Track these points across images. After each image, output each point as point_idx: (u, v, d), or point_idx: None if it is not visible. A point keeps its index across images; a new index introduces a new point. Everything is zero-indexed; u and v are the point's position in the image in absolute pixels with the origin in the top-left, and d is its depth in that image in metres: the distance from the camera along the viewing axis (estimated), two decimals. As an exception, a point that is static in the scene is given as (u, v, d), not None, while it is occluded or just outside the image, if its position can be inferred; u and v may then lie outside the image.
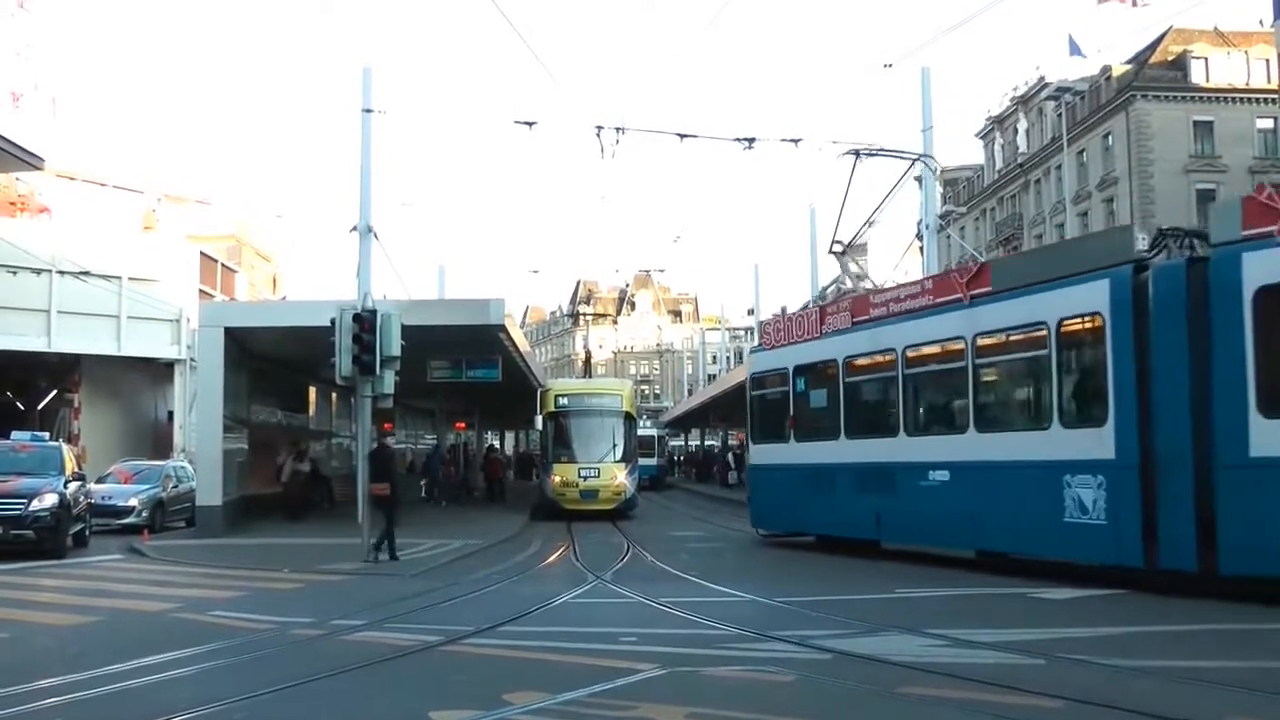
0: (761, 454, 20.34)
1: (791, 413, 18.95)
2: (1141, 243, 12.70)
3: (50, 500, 16.72)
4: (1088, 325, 12.88)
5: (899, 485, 15.90)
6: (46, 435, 21.39)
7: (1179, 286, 11.82)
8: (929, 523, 15.42)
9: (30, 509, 16.43)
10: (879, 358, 16.66)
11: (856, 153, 18.77)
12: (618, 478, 27.88)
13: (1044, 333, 13.46)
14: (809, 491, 18.24)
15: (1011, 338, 14.32)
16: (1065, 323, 13.16)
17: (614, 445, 28.71)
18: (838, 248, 19.66)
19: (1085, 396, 13.15)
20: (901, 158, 19.58)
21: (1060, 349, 13.27)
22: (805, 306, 28.18)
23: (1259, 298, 10.94)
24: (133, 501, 22.83)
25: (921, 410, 16.15)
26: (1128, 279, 12.23)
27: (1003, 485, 13.97)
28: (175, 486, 24.41)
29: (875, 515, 16.45)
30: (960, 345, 14.86)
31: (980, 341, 14.59)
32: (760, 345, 21.94)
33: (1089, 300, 12.74)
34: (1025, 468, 13.58)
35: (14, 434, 19.87)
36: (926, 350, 15.82)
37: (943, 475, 15.15)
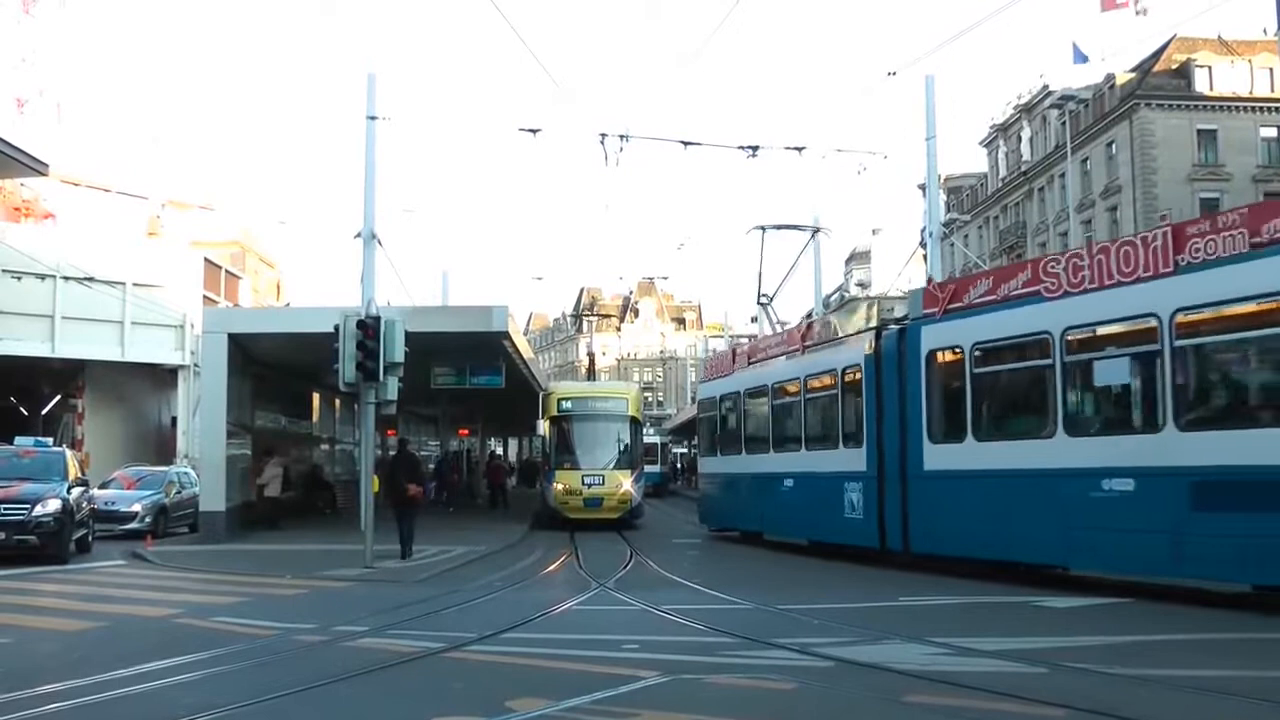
0: (704, 465, 26.40)
1: (717, 432, 24.37)
2: (901, 310, 16.51)
3: (53, 506, 16.67)
4: (854, 374, 17.45)
5: (771, 490, 20.43)
6: (50, 441, 21.39)
7: (893, 348, 16.35)
8: (786, 520, 20.15)
9: (33, 514, 16.39)
10: (759, 391, 21.50)
11: (762, 228, 24.35)
12: (623, 485, 26.63)
13: (833, 378, 18.27)
14: (730, 495, 23.23)
15: (821, 380, 18.87)
16: (845, 370, 17.86)
17: (619, 451, 27.39)
18: (764, 299, 24.13)
19: (853, 425, 17.53)
20: (799, 229, 25.24)
21: (843, 390, 17.93)
22: (805, 318, 30.01)
23: (929, 357, 15.49)
24: (136, 507, 22.87)
25: (780, 432, 20.53)
26: (872, 340, 17.05)
27: (818, 491, 18.42)
28: (178, 492, 24.46)
29: (761, 514, 21.24)
30: (797, 384, 19.70)
31: (809, 382, 19.28)
32: (704, 377, 27.26)
33: (854, 355, 17.63)
34: (828, 478, 18.00)
35: (17, 439, 19.89)
36: (783, 386, 20.48)
37: (790, 483, 19.80)
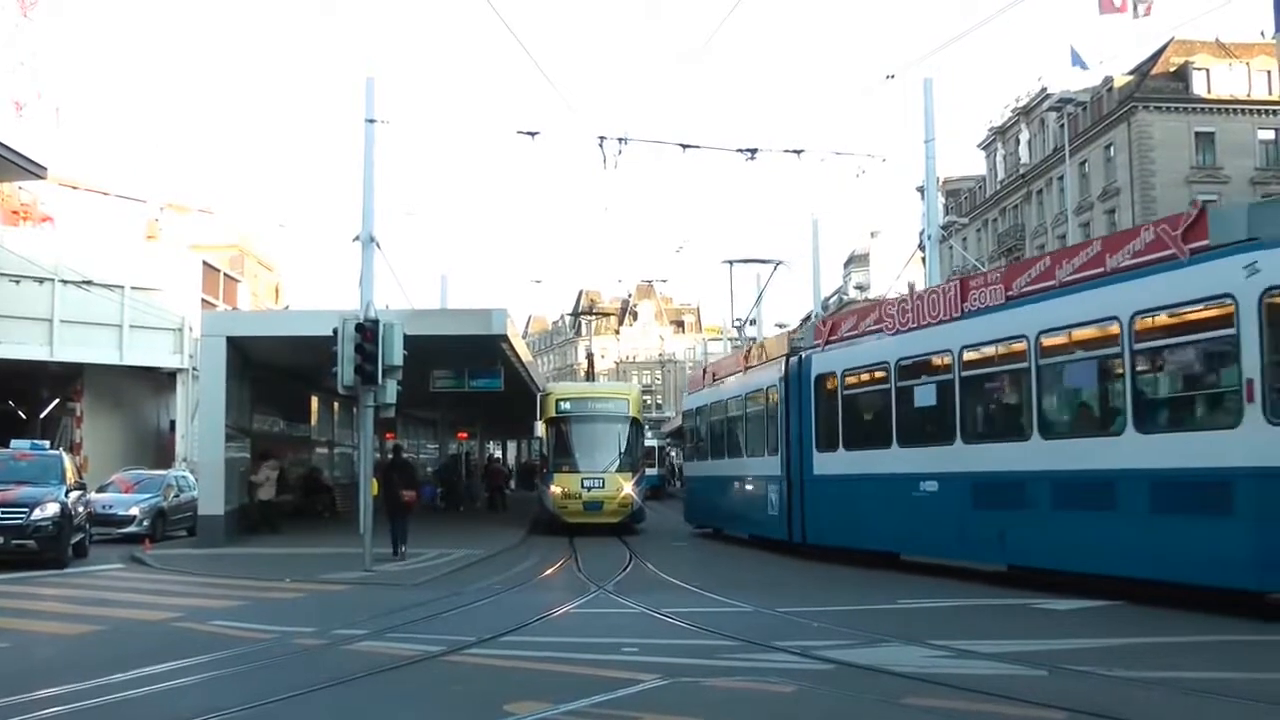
0: (686, 469, 30.12)
1: (693, 440, 28.32)
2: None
3: (52, 510, 16.56)
4: (773, 393, 20.56)
5: (726, 492, 24.03)
6: (47, 444, 21.25)
7: (795, 372, 19.56)
8: (735, 518, 23.87)
9: (32, 518, 16.27)
10: (719, 405, 25.13)
11: (730, 263, 29.52)
12: (624, 488, 25.79)
13: (762, 396, 21.43)
14: (704, 497, 26.69)
15: (755, 397, 22.03)
16: (768, 389, 20.90)
17: (620, 453, 26.63)
18: (738, 322, 28.91)
19: (773, 436, 20.53)
20: (764, 263, 29.47)
21: (767, 406, 21.00)
22: (809, 317, 32.32)
23: (816, 380, 18.68)
24: (134, 511, 22.83)
25: (731, 441, 24.10)
26: (783, 364, 20.22)
27: (752, 493, 21.81)
28: (176, 496, 24.41)
29: (720, 513, 25.17)
30: (740, 400, 23.20)
31: (747, 399, 22.62)
32: (687, 390, 30.56)
33: (773, 376, 20.62)
34: (758, 481, 21.40)
35: (13, 442, 19.78)
36: (732, 401, 23.95)
37: (737, 485, 23.12)
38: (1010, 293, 14.02)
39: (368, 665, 8.26)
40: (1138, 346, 11.86)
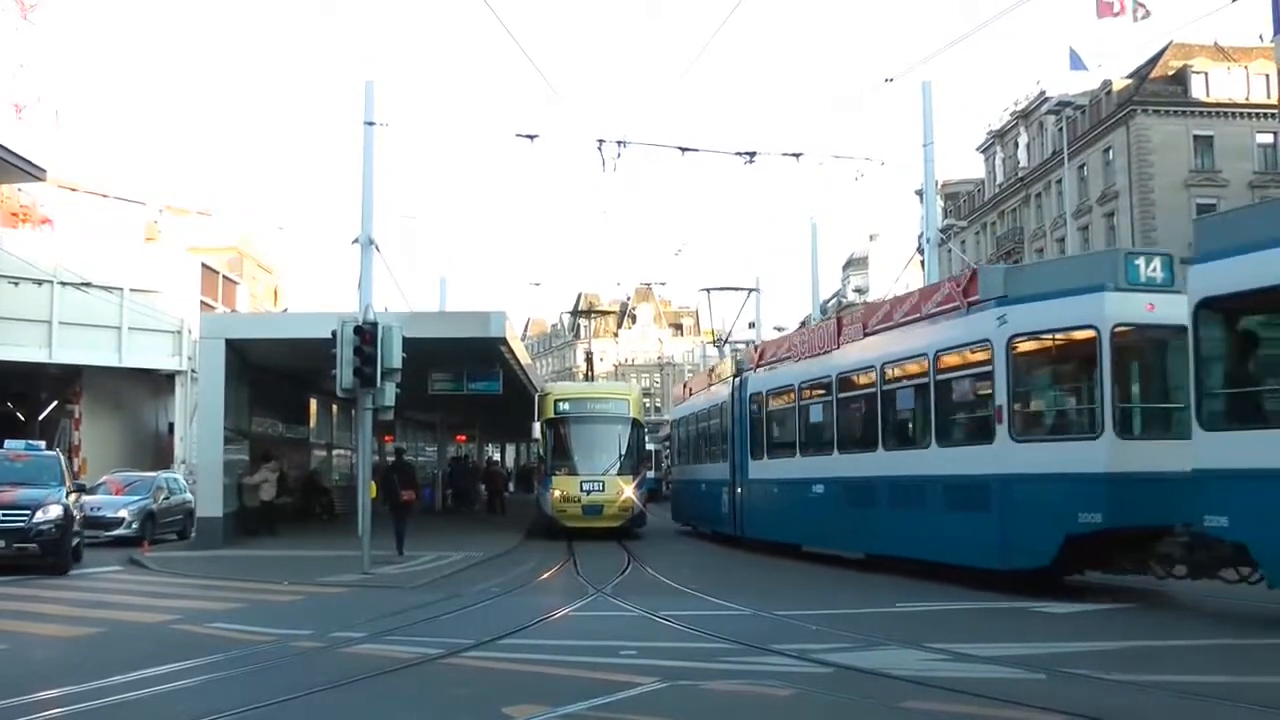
0: (673, 472, 32.43)
1: (675, 446, 31.60)
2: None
3: (55, 512, 15.92)
4: (725, 406, 23.88)
5: (695, 493, 27.24)
6: (42, 444, 20.68)
7: (737, 389, 22.85)
8: (703, 517, 26.89)
9: (34, 521, 15.66)
10: (691, 416, 28.57)
11: (708, 290, 30.60)
12: (624, 492, 24.76)
13: (717, 409, 24.82)
14: (685, 498, 29.44)
15: (714, 410, 25.31)
16: (722, 405, 24.19)
17: (620, 455, 25.62)
18: (719, 342, 30.51)
19: (725, 444, 23.83)
20: (739, 290, 31.39)
21: (723, 418, 24.23)
22: (803, 323, 33.16)
23: (751, 397, 21.89)
24: (123, 513, 22.59)
25: (699, 448, 27.61)
26: (731, 381, 23.44)
27: (711, 493, 24.87)
28: (167, 498, 24.26)
29: (693, 513, 27.98)
30: (703, 413, 26.78)
31: (707, 412, 26.19)
32: (674, 402, 34.29)
33: (725, 393, 23.88)
34: (715, 484, 24.45)
35: (7, 443, 19.17)
36: (699, 413, 27.52)
37: (703, 487, 26.12)
38: (867, 330, 17.17)
39: (366, 668, 8.26)
40: (938, 378, 14.89)
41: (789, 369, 20.28)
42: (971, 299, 14.23)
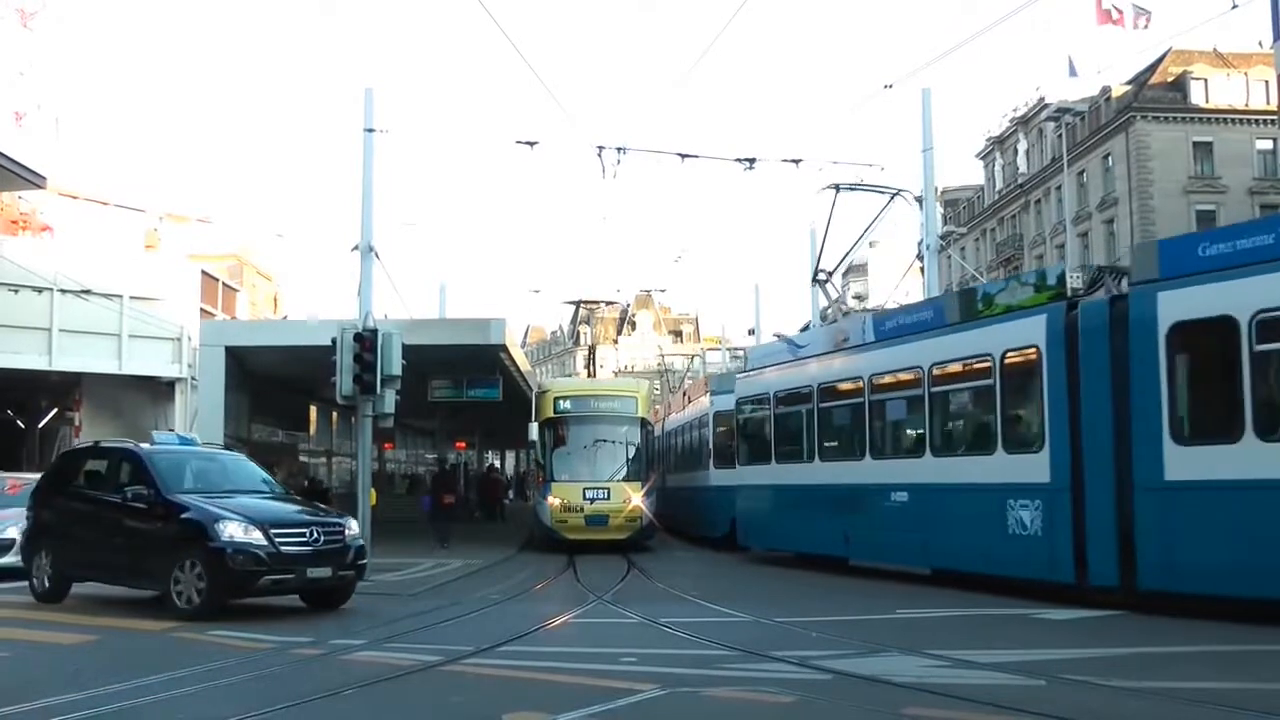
0: (668, 479, 31.42)
1: (670, 455, 31.43)
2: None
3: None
4: (704, 419, 25.81)
5: (680, 499, 27.94)
6: None
7: (715, 408, 24.58)
8: (689, 521, 27.00)
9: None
10: (678, 429, 30.31)
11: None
12: (632, 500, 22.21)
13: (700, 422, 26.33)
14: (672, 502, 28.48)
15: (693, 422, 27.11)
16: (716, 415, 24.62)
17: (628, 459, 23.06)
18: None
19: (711, 452, 24.98)
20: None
21: (700, 431, 26.19)
22: (806, 327, 32.34)
23: (737, 406, 21.64)
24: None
25: (684, 456, 28.95)
26: (713, 401, 24.63)
27: (696, 498, 26.30)
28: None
29: (680, 517, 27.52)
30: (688, 424, 28.45)
31: (690, 424, 27.85)
32: (665, 415, 34.32)
33: (704, 407, 25.65)
34: (699, 490, 25.96)
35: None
36: (685, 425, 28.81)
37: (688, 494, 27.23)
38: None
39: (365, 676, 8.24)
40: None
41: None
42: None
